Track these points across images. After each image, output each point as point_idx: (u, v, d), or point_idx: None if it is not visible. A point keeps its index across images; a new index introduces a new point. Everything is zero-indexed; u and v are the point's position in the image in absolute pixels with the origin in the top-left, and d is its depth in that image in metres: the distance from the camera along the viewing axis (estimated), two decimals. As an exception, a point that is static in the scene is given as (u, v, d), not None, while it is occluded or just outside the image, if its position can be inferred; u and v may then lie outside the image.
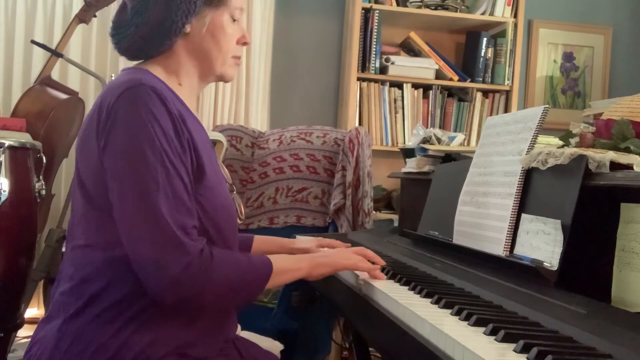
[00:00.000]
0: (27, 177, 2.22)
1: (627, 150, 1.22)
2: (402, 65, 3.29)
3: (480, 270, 1.30)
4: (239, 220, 1.39)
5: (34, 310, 3.04)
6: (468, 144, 3.31)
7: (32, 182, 2.25)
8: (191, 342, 1.18)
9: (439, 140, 2.11)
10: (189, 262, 1.09)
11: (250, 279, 1.19)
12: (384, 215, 3.16)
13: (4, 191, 2.11)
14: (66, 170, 3.09)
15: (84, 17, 2.84)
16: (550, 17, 3.71)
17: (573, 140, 1.39)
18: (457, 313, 1.02)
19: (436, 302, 1.09)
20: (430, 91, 3.34)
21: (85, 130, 1.19)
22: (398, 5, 3.30)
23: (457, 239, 1.53)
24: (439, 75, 3.35)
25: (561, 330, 0.92)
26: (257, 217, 2.57)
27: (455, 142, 2.15)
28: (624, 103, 1.37)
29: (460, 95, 3.44)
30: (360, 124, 3.28)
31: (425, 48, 3.35)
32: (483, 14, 3.34)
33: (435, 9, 3.29)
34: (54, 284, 1.26)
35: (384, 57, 3.28)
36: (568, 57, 3.71)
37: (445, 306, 1.07)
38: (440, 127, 3.32)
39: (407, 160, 2.19)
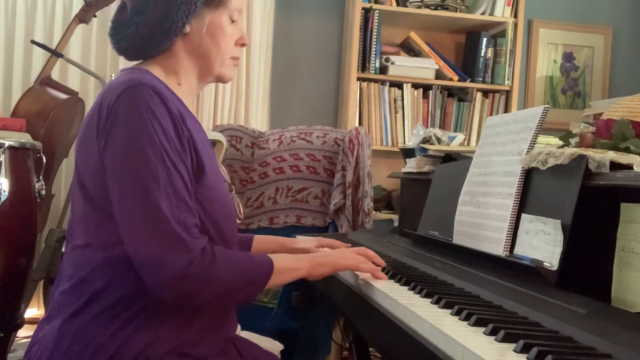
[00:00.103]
0: (27, 177, 2.22)
1: (627, 150, 1.22)
2: (402, 65, 3.29)
3: (480, 270, 1.30)
4: (237, 220, 1.39)
5: (34, 310, 3.04)
6: (468, 144, 3.31)
7: (32, 182, 2.25)
8: (191, 341, 1.18)
9: (439, 140, 2.11)
10: (191, 260, 1.10)
11: (251, 277, 1.19)
12: (384, 215, 3.16)
13: (4, 191, 2.11)
14: (66, 170, 3.09)
15: (84, 17, 2.84)
16: (550, 17, 3.71)
17: (573, 140, 1.39)
18: (457, 313, 1.02)
19: (436, 302, 1.09)
20: (430, 91, 3.34)
21: (85, 130, 1.19)
22: (398, 5, 3.30)
23: (457, 239, 1.53)
24: (439, 75, 3.35)
25: (561, 330, 0.92)
26: (257, 217, 2.57)
27: (455, 142, 2.15)
28: (624, 103, 1.37)
29: (460, 95, 3.44)
30: (360, 124, 3.28)
31: (425, 48, 3.35)
32: (483, 14, 3.34)
33: (435, 9, 3.29)
34: (54, 284, 1.26)
35: (384, 57, 3.28)
36: (568, 57, 3.71)
37: (445, 306, 1.07)
38: (440, 127, 3.32)
39: (407, 160, 2.19)
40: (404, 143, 3.20)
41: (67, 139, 2.80)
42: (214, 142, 2.39)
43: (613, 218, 1.10)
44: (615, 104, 1.42)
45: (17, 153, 2.18)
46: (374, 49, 3.24)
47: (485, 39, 3.36)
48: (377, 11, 3.23)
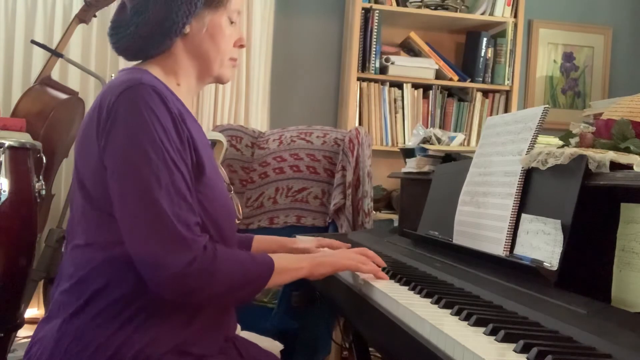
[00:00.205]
0: (27, 177, 2.22)
1: (627, 150, 1.22)
2: (402, 65, 3.29)
3: (480, 270, 1.30)
4: (236, 221, 1.39)
5: (34, 310, 3.04)
6: (468, 144, 3.31)
7: (32, 182, 2.25)
8: (191, 340, 1.18)
9: (439, 140, 2.11)
10: (192, 259, 1.10)
11: (252, 277, 1.19)
12: (384, 215, 3.16)
13: (4, 191, 2.11)
14: (66, 170, 3.09)
15: (84, 17, 2.84)
16: (550, 17, 3.71)
17: (573, 140, 1.39)
18: (457, 313, 1.02)
19: (436, 302, 1.09)
20: (430, 91, 3.34)
21: (84, 130, 1.19)
22: (398, 5, 3.30)
23: (457, 239, 1.53)
24: (439, 75, 3.35)
25: (561, 330, 0.92)
26: (257, 217, 2.57)
27: (455, 142, 2.15)
28: (624, 103, 1.37)
29: (460, 95, 3.44)
30: (360, 124, 3.28)
31: (425, 48, 3.35)
32: (483, 14, 3.34)
33: (435, 9, 3.29)
34: (54, 284, 1.26)
35: (384, 57, 3.28)
36: (568, 57, 3.71)
37: (445, 306, 1.07)
38: (440, 127, 3.32)
39: (407, 160, 2.19)
40: (404, 143, 3.20)
41: (67, 139, 2.80)
42: (214, 142, 2.39)
43: (613, 218, 1.10)
44: (615, 104, 1.42)
45: (17, 153, 2.18)
46: (374, 49, 3.24)
47: (485, 39, 3.36)
48: (377, 11, 3.23)
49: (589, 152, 1.16)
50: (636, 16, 3.79)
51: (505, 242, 1.31)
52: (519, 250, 1.27)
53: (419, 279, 1.30)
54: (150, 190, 1.10)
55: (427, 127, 2.63)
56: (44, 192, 2.32)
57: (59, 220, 2.84)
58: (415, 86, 3.34)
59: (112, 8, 2.87)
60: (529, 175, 1.32)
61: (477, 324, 0.95)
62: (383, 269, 1.35)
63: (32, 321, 2.58)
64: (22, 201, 2.19)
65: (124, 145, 1.12)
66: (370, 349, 2.07)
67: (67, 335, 1.14)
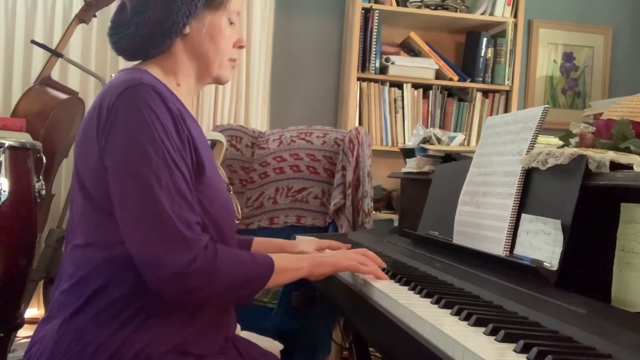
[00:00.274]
0: (27, 177, 2.22)
1: (627, 150, 1.22)
2: (402, 65, 3.29)
3: (480, 270, 1.30)
4: (236, 221, 1.39)
5: (34, 310, 3.04)
6: (468, 144, 3.31)
7: (32, 182, 2.25)
8: (191, 340, 1.18)
9: (439, 140, 2.10)
10: (193, 258, 1.10)
11: (252, 276, 1.19)
12: (384, 215, 3.16)
13: (4, 191, 2.11)
14: (66, 170, 3.09)
15: (84, 17, 2.84)
16: (550, 17, 3.71)
17: (573, 140, 1.39)
18: (457, 313, 1.02)
19: (436, 302, 1.09)
20: (430, 91, 3.34)
21: (84, 130, 1.19)
22: (398, 5, 3.30)
23: (457, 239, 1.53)
24: (439, 75, 3.35)
25: (561, 330, 0.92)
26: (257, 217, 2.57)
27: (455, 142, 2.15)
28: (624, 103, 1.37)
29: (460, 95, 3.44)
30: (360, 124, 3.28)
31: (425, 48, 3.35)
32: (483, 14, 3.34)
33: (435, 9, 3.29)
34: (53, 284, 1.26)
35: (384, 57, 3.28)
36: (568, 57, 3.71)
37: (445, 306, 1.07)
38: (440, 127, 3.32)
39: (407, 160, 2.19)
40: (404, 143, 3.20)
41: (67, 139, 2.80)
42: (214, 142, 2.39)
43: (613, 218, 1.10)
44: (615, 104, 1.42)
45: (17, 153, 2.18)
46: (374, 49, 3.24)
47: (485, 39, 3.36)
48: (377, 11, 3.23)
49: (589, 152, 1.16)
50: (636, 16, 3.79)
51: (505, 242, 1.31)
52: (519, 250, 1.27)
53: (419, 279, 1.30)
54: (151, 190, 1.10)
55: (427, 127, 2.63)
56: (44, 192, 2.32)
57: (59, 220, 2.84)
58: (415, 86, 3.33)
59: (112, 8, 2.86)
60: (529, 175, 1.32)
61: (477, 324, 0.95)
62: (383, 269, 1.35)
63: (32, 321, 2.58)
64: (22, 201, 2.19)
65: (125, 145, 1.12)
66: (370, 349, 2.07)
67: (67, 335, 1.14)
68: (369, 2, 3.25)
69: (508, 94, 3.40)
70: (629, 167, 1.12)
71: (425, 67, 3.31)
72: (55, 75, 2.90)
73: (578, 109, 3.65)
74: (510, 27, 3.33)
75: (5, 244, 2.13)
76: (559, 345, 0.85)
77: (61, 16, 3.21)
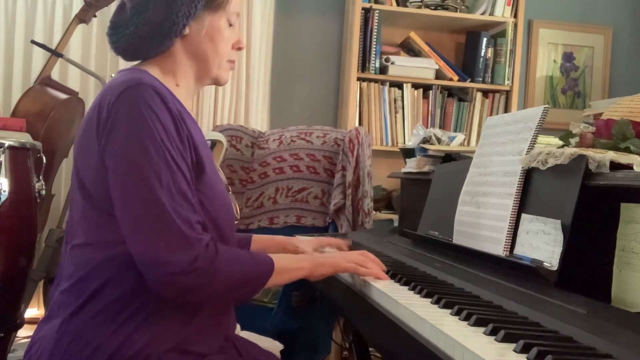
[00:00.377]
0: (27, 177, 2.22)
1: (627, 150, 1.22)
2: (402, 65, 3.29)
3: (480, 270, 1.30)
4: (235, 221, 1.40)
5: (34, 310, 3.04)
6: (468, 144, 3.31)
7: (32, 182, 2.25)
8: (191, 339, 1.19)
9: (439, 140, 2.10)
10: (195, 257, 1.10)
11: (252, 276, 1.20)
12: (384, 215, 3.16)
13: (4, 191, 2.11)
14: (66, 170, 3.08)
15: (84, 17, 2.84)
16: (550, 17, 3.71)
17: (573, 140, 1.39)
18: (457, 313, 1.01)
19: (436, 302, 1.09)
20: (430, 91, 3.34)
21: (84, 130, 1.19)
22: (398, 5, 3.30)
23: (457, 239, 1.53)
24: (439, 75, 3.35)
25: (561, 330, 0.92)
26: (257, 217, 2.57)
27: (455, 142, 2.15)
28: (624, 103, 1.37)
29: (460, 95, 3.44)
30: (360, 124, 3.28)
31: (425, 48, 3.35)
32: (483, 14, 3.34)
33: (435, 9, 3.29)
34: (53, 284, 1.26)
35: (384, 57, 3.28)
36: (568, 57, 3.71)
37: (445, 306, 1.07)
38: (440, 127, 3.31)
39: (407, 160, 2.19)
40: (404, 143, 3.20)
41: (67, 139, 2.80)
42: (214, 142, 2.39)
43: (613, 218, 1.10)
44: (615, 104, 1.42)
45: (17, 153, 2.18)
46: (374, 49, 3.24)
47: (485, 39, 3.36)
48: (377, 11, 3.23)
49: (589, 152, 1.16)
50: (636, 16, 3.79)
51: (505, 242, 1.31)
52: (519, 250, 1.27)
53: (419, 279, 1.30)
54: (152, 189, 1.10)
55: (427, 127, 2.63)
56: (44, 192, 2.33)
57: (59, 220, 2.84)
58: (415, 86, 3.33)
59: (112, 8, 2.86)
60: (529, 175, 1.32)
61: (477, 324, 0.95)
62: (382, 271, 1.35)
63: (32, 321, 2.58)
64: (22, 201, 2.19)
65: (125, 144, 1.12)
66: (370, 349, 2.07)
67: (67, 335, 1.14)
68: (369, 2, 3.25)
69: (508, 94, 3.40)
70: (629, 167, 1.12)
71: (425, 67, 3.31)
72: (55, 75, 2.90)
73: (578, 109, 3.65)
74: (510, 27, 3.33)
75: (5, 244, 2.13)
76: (559, 345, 0.85)
77: (61, 16, 3.21)
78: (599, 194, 1.14)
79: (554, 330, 0.93)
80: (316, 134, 2.66)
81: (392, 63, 3.27)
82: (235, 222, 1.41)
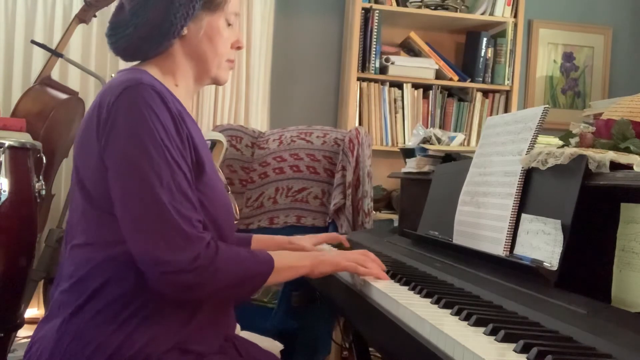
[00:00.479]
0: (27, 177, 2.22)
1: (627, 150, 1.22)
2: (402, 65, 3.29)
3: (480, 270, 1.30)
4: (234, 221, 1.40)
5: (34, 310, 3.04)
6: (468, 144, 3.31)
7: (32, 182, 2.25)
8: (191, 338, 1.19)
9: (439, 140, 2.10)
10: (196, 255, 1.11)
11: (252, 274, 1.20)
12: (384, 215, 3.16)
13: (4, 191, 2.11)
14: (66, 170, 3.08)
15: (84, 17, 2.84)
16: (550, 17, 3.71)
17: (573, 140, 1.39)
18: (457, 313, 1.01)
19: (436, 302, 1.09)
20: (430, 91, 3.34)
21: (84, 130, 1.20)
22: (398, 5, 3.30)
23: (457, 239, 1.53)
24: (439, 75, 3.35)
25: (561, 330, 0.92)
26: (257, 217, 2.57)
27: (455, 142, 2.15)
28: (624, 103, 1.37)
29: (460, 95, 3.44)
30: (360, 124, 3.28)
31: (425, 48, 3.35)
32: (483, 14, 3.34)
33: (435, 9, 3.29)
34: (53, 284, 1.26)
35: (384, 57, 3.28)
36: (568, 57, 3.71)
37: (445, 306, 1.07)
38: (440, 127, 3.32)
39: (407, 160, 2.19)
40: (404, 143, 3.20)
41: (67, 139, 2.80)
42: (214, 142, 2.39)
43: (613, 218, 1.10)
44: (615, 104, 1.42)
45: (17, 153, 2.18)
46: (374, 49, 3.24)
47: (485, 39, 3.36)
48: (377, 11, 3.23)
49: (589, 152, 1.16)
50: (636, 16, 3.79)
51: (505, 242, 1.31)
52: (519, 250, 1.27)
53: (419, 279, 1.30)
54: (152, 188, 1.10)
55: (427, 127, 2.63)
56: (44, 192, 2.33)
57: (59, 220, 2.84)
58: (415, 86, 3.33)
59: (112, 8, 2.86)
60: (529, 175, 1.32)
61: (477, 324, 0.95)
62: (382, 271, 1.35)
63: (32, 321, 2.58)
64: (22, 201, 2.19)
65: (125, 144, 1.13)
66: (370, 349, 2.07)
67: (67, 335, 1.14)
68: (369, 2, 3.25)
69: (508, 94, 3.40)
70: (629, 167, 1.12)
71: (425, 67, 3.31)
72: (55, 75, 2.90)
73: (578, 109, 3.65)
74: (510, 27, 3.33)
75: (5, 244, 2.13)
76: (559, 345, 0.85)
77: (61, 16, 3.21)
78: (599, 194, 1.14)
79: (554, 330, 0.93)
80: (316, 134, 2.66)
81: (392, 63, 3.27)
82: (235, 222, 1.41)
